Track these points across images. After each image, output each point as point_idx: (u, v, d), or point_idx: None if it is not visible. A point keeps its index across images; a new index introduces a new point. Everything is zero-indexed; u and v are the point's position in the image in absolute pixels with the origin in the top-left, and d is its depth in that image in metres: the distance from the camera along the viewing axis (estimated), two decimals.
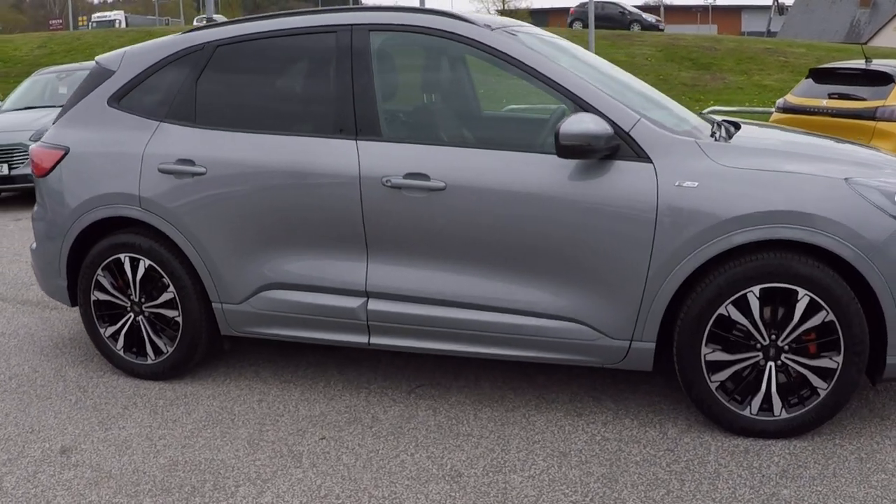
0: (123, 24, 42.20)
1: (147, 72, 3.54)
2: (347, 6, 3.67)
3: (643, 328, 2.96)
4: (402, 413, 3.29)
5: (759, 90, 17.64)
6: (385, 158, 3.12)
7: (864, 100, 6.35)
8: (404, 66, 3.37)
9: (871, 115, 6.20)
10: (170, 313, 3.53)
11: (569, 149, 2.81)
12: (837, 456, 2.85)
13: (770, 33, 44.42)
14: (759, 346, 2.90)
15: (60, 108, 3.90)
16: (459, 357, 3.44)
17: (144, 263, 3.50)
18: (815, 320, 2.83)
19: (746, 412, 2.95)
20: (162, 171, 3.39)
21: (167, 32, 13.96)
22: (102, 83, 3.62)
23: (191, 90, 3.45)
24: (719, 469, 2.79)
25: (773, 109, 7.59)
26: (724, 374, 2.95)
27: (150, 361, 3.60)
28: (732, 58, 20.57)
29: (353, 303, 3.26)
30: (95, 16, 47.35)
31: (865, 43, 30.19)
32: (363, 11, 3.32)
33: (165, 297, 3.52)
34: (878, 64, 6.66)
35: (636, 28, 28.69)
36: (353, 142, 3.18)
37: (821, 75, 6.89)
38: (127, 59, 3.61)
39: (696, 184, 2.85)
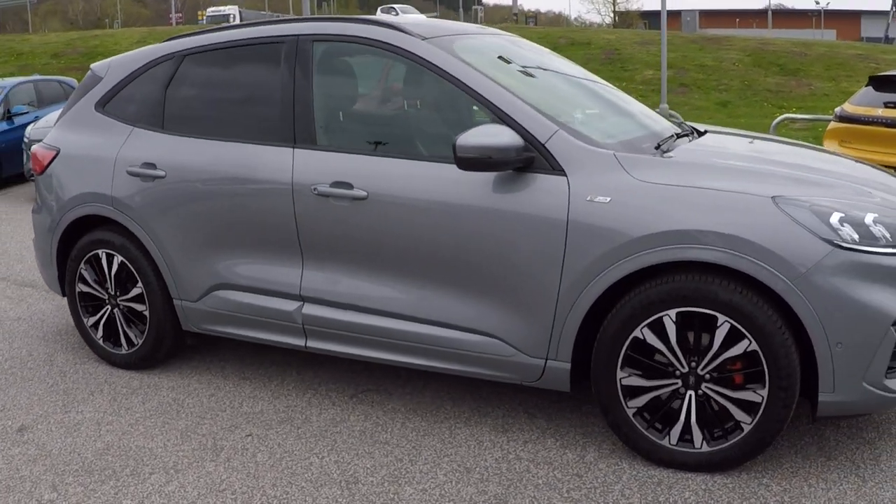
0: (237, 19, 40.39)
1: (127, 79, 3.78)
2: (302, 17, 3.75)
3: (557, 347, 2.86)
4: (335, 416, 3.34)
5: (845, 97, 16.50)
6: (316, 167, 3.18)
7: None
8: (342, 75, 3.41)
9: None
10: (139, 307, 3.76)
11: (467, 161, 2.76)
12: (758, 497, 2.64)
13: (888, 39, 41.03)
14: (678, 373, 2.73)
15: None
16: None
17: (118, 259, 3.74)
18: (737, 349, 2.64)
19: (665, 442, 2.79)
20: (129, 173, 3.61)
21: None
22: (92, 89, 3.89)
23: (160, 98, 3.65)
24: (620, 500, 2.65)
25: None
26: (641, 401, 2.80)
27: (123, 352, 3.84)
28: (821, 63, 19.34)
29: (290, 306, 3.34)
30: (210, 10, 45.80)
31: None
32: (310, 22, 3.39)
33: (135, 291, 3.74)
34: None
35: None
36: (291, 150, 3.26)
37: (881, 83, 6.30)
38: (113, 67, 3.87)
39: (609, 199, 2.72)
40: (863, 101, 6.34)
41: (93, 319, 3.91)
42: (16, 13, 58.49)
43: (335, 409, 3.41)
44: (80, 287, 3.90)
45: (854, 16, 53.59)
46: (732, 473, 2.78)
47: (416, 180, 3.00)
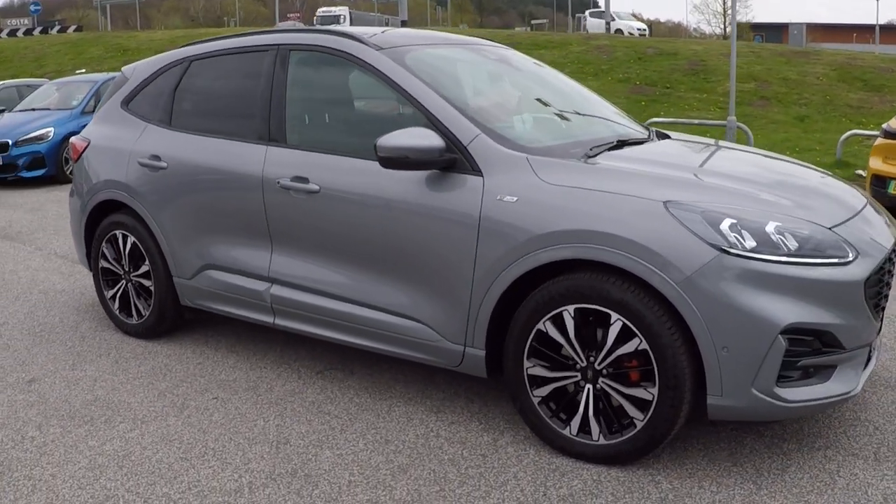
0: (348, 20, 40.51)
1: (148, 80, 4.29)
2: (286, 28, 4.14)
3: (473, 335, 3.08)
4: (295, 388, 3.68)
5: None
6: (282, 162, 3.54)
7: None
8: (310, 81, 3.74)
9: None
10: (147, 283, 4.25)
11: (386, 160, 3.02)
12: (643, 492, 2.75)
13: None
14: (577, 366, 2.89)
15: None
16: None
17: (130, 239, 4.25)
18: (629, 347, 2.77)
19: (566, 432, 2.95)
20: (140, 164, 4.10)
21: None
22: (121, 88, 4.43)
23: (170, 97, 4.13)
24: (510, 481, 2.84)
25: None
26: (545, 390, 2.97)
27: (134, 322, 4.35)
28: None
29: (261, 287, 3.72)
30: (320, 10, 44.70)
31: None
32: (291, 33, 3.77)
33: (144, 268, 4.24)
34: None
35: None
36: (265, 147, 3.63)
37: None
38: (138, 69, 4.39)
39: (515, 199, 2.92)
40: None
41: (111, 292, 4.44)
42: (138, 9, 60.27)
43: (298, 382, 3.75)
44: (102, 263, 4.44)
45: None
46: (628, 467, 2.90)
47: (359, 176, 3.30)
